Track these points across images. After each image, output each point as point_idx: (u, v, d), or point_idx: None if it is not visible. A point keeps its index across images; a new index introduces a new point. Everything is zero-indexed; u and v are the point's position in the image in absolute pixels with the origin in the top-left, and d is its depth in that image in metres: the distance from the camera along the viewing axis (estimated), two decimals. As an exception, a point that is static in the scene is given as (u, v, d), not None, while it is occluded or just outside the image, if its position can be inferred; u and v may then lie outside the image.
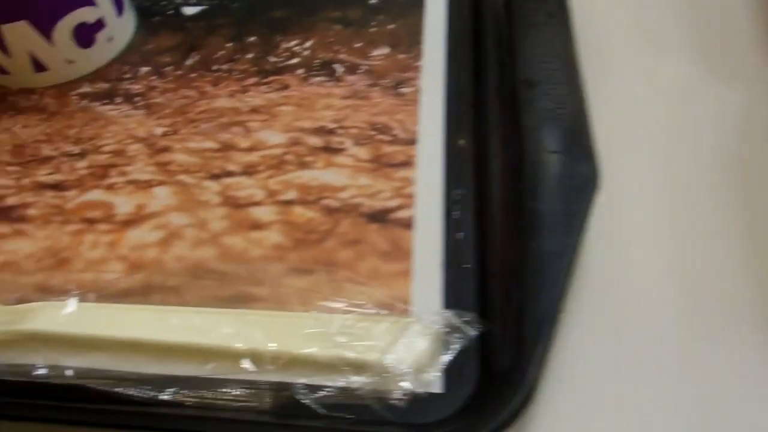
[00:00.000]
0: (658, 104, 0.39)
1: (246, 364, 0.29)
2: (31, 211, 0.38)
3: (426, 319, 0.29)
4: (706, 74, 0.40)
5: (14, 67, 0.45)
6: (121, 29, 0.47)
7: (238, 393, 0.29)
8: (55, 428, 0.30)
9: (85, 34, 0.45)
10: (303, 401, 0.28)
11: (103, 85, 0.46)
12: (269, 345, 0.29)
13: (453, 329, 0.29)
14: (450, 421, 0.28)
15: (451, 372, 0.28)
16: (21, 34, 0.43)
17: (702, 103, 0.39)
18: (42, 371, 0.30)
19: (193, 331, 0.30)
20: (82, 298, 0.32)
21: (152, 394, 0.29)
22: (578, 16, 0.41)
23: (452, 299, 0.31)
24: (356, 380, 0.28)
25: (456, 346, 0.28)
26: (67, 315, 0.31)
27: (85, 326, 0.31)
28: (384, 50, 0.45)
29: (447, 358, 0.28)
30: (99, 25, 0.45)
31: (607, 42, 0.43)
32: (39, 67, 0.45)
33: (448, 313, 0.29)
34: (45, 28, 0.43)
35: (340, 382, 0.28)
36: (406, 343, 0.28)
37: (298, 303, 0.31)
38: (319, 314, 0.30)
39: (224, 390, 0.29)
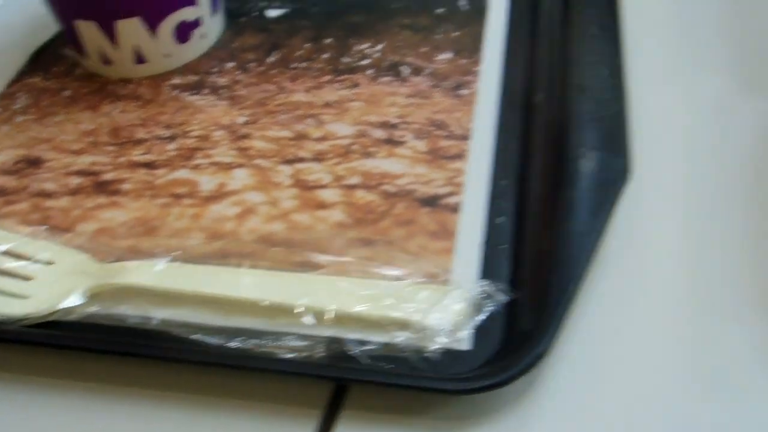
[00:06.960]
0: (692, 113, 0.42)
1: (307, 319, 0.33)
2: (125, 186, 0.43)
3: (463, 287, 0.33)
4: (742, 89, 0.43)
5: (119, 59, 0.50)
6: (213, 28, 0.53)
7: (296, 344, 0.33)
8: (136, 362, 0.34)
9: (184, 31, 0.50)
10: (351, 353, 0.32)
11: (193, 78, 0.51)
12: (329, 304, 0.33)
13: (485, 296, 0.33)
14: (474, 373, 0.31)
15: (480, 332, 0.32)
16: (132, 29, 0.48)
17: (734, 115, 0.42)
18: (133, 319, 0.35)
19: (263, 290, 0.34)
20: (170, 260, 0.37)
21: (222, 342, 0.33)
22: (628, 30, 0.46)
23: (487, 273, 0.35)
24: (399, 336, 0.32)
25: (487, 310, 0.32)
26: (157, 272, 0.36)
27: (170, 282, 0.35)
28: (448, 55, 0.49)
29: (478, 319, 0.32)
30: (196, 23, 0.51)
31: (652, 54, 0.46)
32: (140, 59, 0.50)
33: (482, 282, 0.33)
34: (153, 25, 0.49)
35: (385, 337, 0.33)
36: (445, 306, 0.32)
37: (356, 270, 0.36)
38: (373, 280, 0.34)
39: (285, 341, 0.33)
